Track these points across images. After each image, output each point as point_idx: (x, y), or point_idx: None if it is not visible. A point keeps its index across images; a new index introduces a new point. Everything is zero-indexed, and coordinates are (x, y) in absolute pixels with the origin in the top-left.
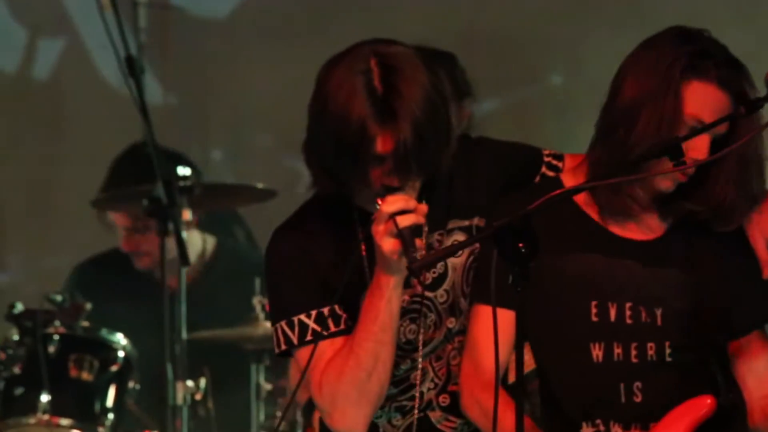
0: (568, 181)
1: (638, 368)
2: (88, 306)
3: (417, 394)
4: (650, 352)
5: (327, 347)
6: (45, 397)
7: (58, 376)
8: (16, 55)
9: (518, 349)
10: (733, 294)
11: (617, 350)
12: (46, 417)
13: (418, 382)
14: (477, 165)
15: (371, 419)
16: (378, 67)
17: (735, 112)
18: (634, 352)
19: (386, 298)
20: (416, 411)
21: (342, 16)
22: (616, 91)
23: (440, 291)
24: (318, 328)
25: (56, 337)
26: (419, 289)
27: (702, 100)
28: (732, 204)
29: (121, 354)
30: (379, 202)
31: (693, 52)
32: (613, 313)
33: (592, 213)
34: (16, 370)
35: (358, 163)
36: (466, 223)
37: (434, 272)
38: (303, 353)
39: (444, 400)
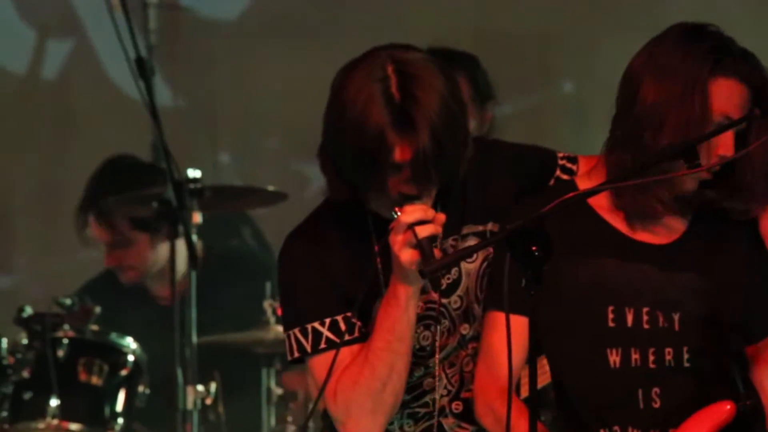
0: (583, 184)
1: (656, 374)
2: (98, 309)
3: (433, 401)
4: (668, 358)
5: (341, 356)
6: (54, 402)
7: (68, 381)
8: (25, 56)
9: (531, 352)
10: (751, 297)
11: (635, 356)
12: (55, 422)
13: (436, 386)
14: (491, 169)
15: (385, 428)
16: (395, 75)
17: (750, 113)
18: (651, 358)
19: (403, 308)
20: (436, 419)
21: (352, 18)
22: (633, 95)
23: (454, 297)
24: (332, 336)
25: (65, 340)
26: (434, 295)
27: (727, 95)
28: (759, 194)
29: (130, 358)
30: (397, 211)
31: (713, 48)
32: (630, 318)
33: (608, 217)
34: (25, 374)
35: (376, 172)
36: (480, 228)
37: (448, 278)
38: (317, 361)
39: (457, 407)
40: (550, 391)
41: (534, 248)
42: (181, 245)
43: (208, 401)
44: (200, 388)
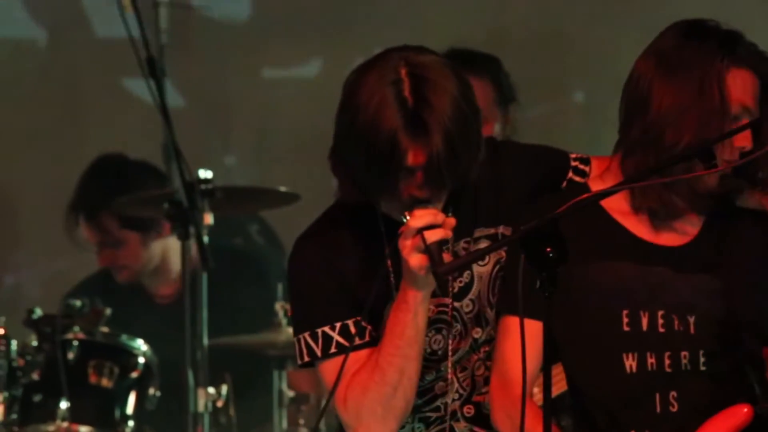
0: (596, 186)
1: (673, 377)
2: (108, 311)
3: (444, 405)
4: (684, 361)
5: (352, 361)
6: (64, 404)
7: (78, 383)
8: (35, 56)
9: (546, 355)
10: (767, 298)
11: (650, 360)
12: (65, 424)
13: (448, 391)
14: (503, 171)
15: None
16: (408, 78)
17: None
18: (667, 362)
19: (413, 313)
20: (448, 423)
21: (365, 18)
22: (645, 97)
23: (466, 300)
24: (343, 341)
25: (75, 343)
26: (445, 298)
27: (742, 85)
28: None
29: (141, 360)
30: (407, 215)
31: (723, 40)
32: (645, 322)
33: (622, 220)
34: (35, 376)
35: (388, 176)
36: (492, 231)
37: (460, 281)
38: (327, 366)
39: (469, 410)
40: (568, 396)
41: (548, 250)
42: (176, 242)
43: (219, 404)
44: (211, 390)
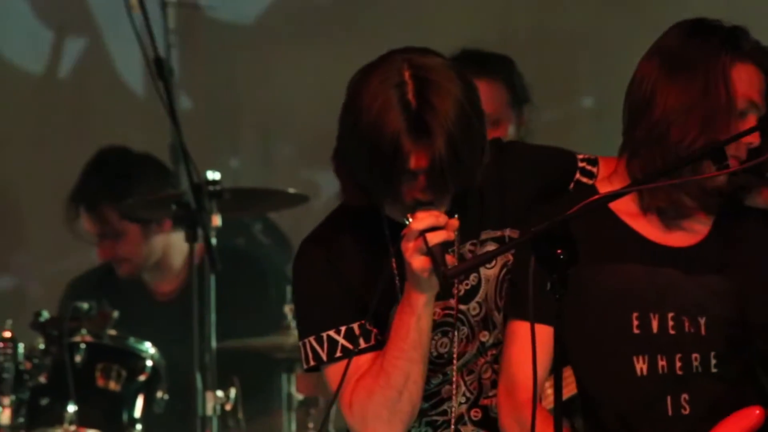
0: (604, 188)
1: (684, 380)
2: (116, 314)
3: (452, 408)
4: (695, 363)
5: (357, 364)
6: (71, 408)
7: (85, 386)
8: (42, 56)
9: (556, 359)
10: None
11: (661, 362)
12: (72, 428)
13: (454, 395)
14: (509, 172)
15: None
16: (412, 80)
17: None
18: (678, 364)
19: (417, 316)
20: (452, 427)
21: (373, 19)
22: (650, 96)
23: (473, 303)
24: (348, 345)
25: (83, 346)
26: (452, 301)
27: (748, 80)
28: None
29: (149, 363)
30: (409, 218)
31: (728, 36)
32: (655, 324)
33: (631, 222)
34: (42, 379)
35: (390, 178)
36: (498, 233)
37: (467, 284)
38: (333, 370)
39: (476, 414)
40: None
41: (559, 251)
42: (177, 238)
43: (228, 407)
44: (220, 393)
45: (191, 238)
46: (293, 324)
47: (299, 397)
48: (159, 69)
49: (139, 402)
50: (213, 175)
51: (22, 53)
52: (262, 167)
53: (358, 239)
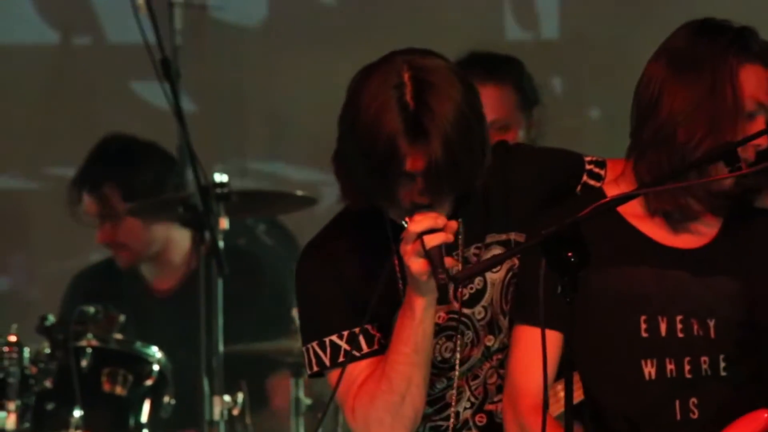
0: (611, 191)
1: (693, 384)
2: (122, 318)
3: (456, 414)
4: (704, 366)
5: (360, 369)
6: (77, 413)
7: (91, 391)
8: (47, 57)
9: (567, 365)
10: None
11: (670, 366)
12: None
13: (453, 399)
14: (515, 175)
15: None
16: (411, 82)
17: None
18: (687, 367)
19: (418, 319)
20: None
21: (381, 21)
22: (657, 97)
23: (478, 308)
24: (351, 350)
25: (89, 350)
26: (456, 305)
27: (756, 81)
28: None
29: (155, 367)
30: (407, 220)
31: (736, 36)
32: (663, 327)
33: (638, 224)
34: (48, 384)
35: (387, 180)
36: (504, 237)
37: (471, 288)
38: (335, 375)
39: (481, 419)
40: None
41: (570, 254)
42: (179, 233)
43: (236, 412)
44: (227, 398)
45: (198, 241)
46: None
47: (307, 401)
48: (165, 70)
49: (146, 407)
50: (220, 177)
51: (28, 54)
52: (270, 169)
53: (362, 242)
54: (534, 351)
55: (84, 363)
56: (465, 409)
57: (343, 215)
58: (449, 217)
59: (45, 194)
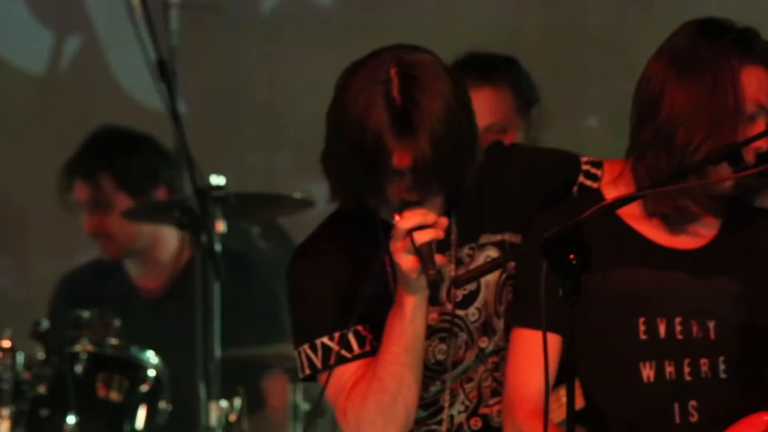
0: (609, 192)
1: (692, 386)
2: (117, 322)
3: (450, 417)
4: (704, 368)
5: (351, 371)
6: (72, 419)
7: (86, 397)
8: (41, 58)
9: (570, 369)
10: None
11: (669, 368)
12: None
13: (446, 403)
14: (511, 175)
15: None
16: (398, 77)
17: None
18: (687, 369)
19: (409, 318)
20: None
21: (382, 21)
22: (658, 97)
23: (471, 309)
24: (342, 351)
25: (84, 355)
26: (449, 307)
27: (758, 83)
28: None
29: (151, 373)
30: (396, 217)
31: (738, 37)
32: (662, 329)
33: (636, 225)
34: (42, 390)
35: (375, 177)
36: (498, 237)
37: (465, 289)
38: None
39: (475, 423)
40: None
41: (572, 256)
42: (168, 232)
43: (233, 418)
44: (224, 404)
45: (195, 244)
46: None
47: (305, 406)
48: (161, 71)
49: (142, 413)
50: (217, 180)
51: (21, 54)
52: (267, 171)
53: (354, 243)
54: (533, 354)
55: (79, 368)
56: (459, 412)
57: (336, 216)
58: (444, 217)
59: (37, 196)
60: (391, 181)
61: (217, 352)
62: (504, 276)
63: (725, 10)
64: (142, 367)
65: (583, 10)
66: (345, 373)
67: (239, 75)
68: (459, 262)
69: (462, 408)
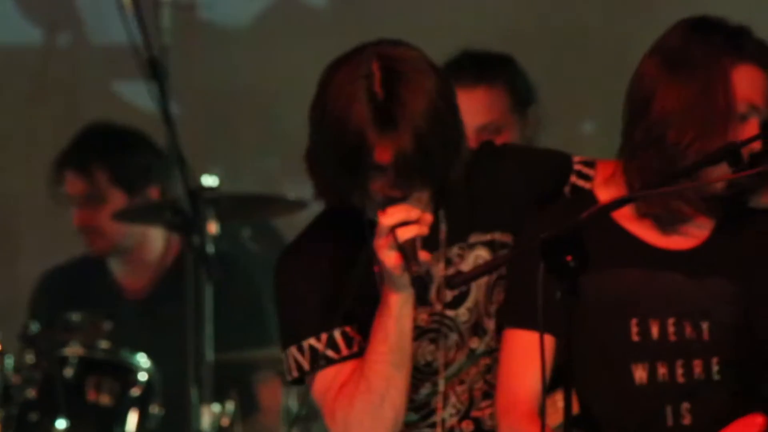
0: (602, 193)
1: (685, 388)
2: (108, 325)
3: (442, 420)
4: (697, 370)
5: (339, 372)
6: (62, 423)
7: (76, 401)
8: (31, 56)
9: (569, 370)
10: None
11: (661, 370)
12: None
13: (438, 405)
14: (500, 175)
15: None
16: (380, 71)
17: None
18: (680, 371)
19: (395, 317)
20: None
21: (375, 20)
22: (649, 96)
23: (462, 309)
24: (329, 352)
25: (74, 359)
26: (438, 307)
27: (750, 82)
28: None
29: (143, 376)
30: (380, 214)
31: (730, 36)
32: (655, 330)
33: (629, 225)
34: (32, 394)
35: (357, 173)
36: (488, 237)
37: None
38: (315, 379)
39: (467, 426)
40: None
41: (569, 258)
42: (156, 232)
43: (225, 422)
44: (216, 407)
45: (187, 246)
46: None
47: (300, 410)
48: (153, 70)
49: (133, 417)
50: (210, 181)
51: (10, 54)
52: (260, 172)
53: (341, 243)
54: (527, 356)
55: (69, 372)
56: (451, 415)
57: (324, 216)
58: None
59: (25, 196)
60: (374, 177)
61: (209, 356)
62: (495, 276)
63: (725, 12)
64: (133, 370)
65: (581, 10)
66: (333, 374)
67: (231, 75)
68: (448, 262)
69: (453, 411)
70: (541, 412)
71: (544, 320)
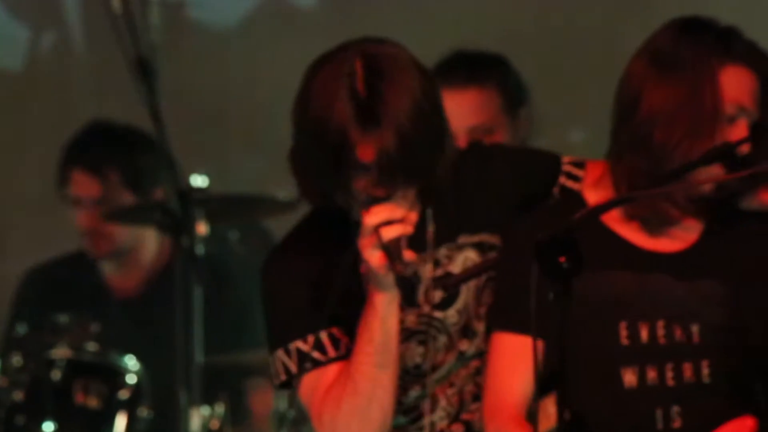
0: (591, 195)
1: (675, 391)
2: (96, 327)
3: (431, 424)
4: (687, 373)
5: (327, 374)
6: (49, 426)
7: (63, 404)
8: (19, 56)
9: (563, 373)
10: None
11: (651, 373)
12: None
13: (426, 408)
14: (489, 175)
15: None
16: (363, 70)
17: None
18: (669, 374)
19: (380, 317)
20: None
21: (366, 18)
22: (637, 96)
23: (451, 311)
24: (316, 354)
25: (62, 362)
26: (425, 308)
27: (738, 83)
28: None
29: (131, 379)
30: (364, 214)
31: (720, 36)
32: (644, 333)
33: (617, 228)
34: (19, 397)
35: (340, 172)
36: (476, 238)
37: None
38: (302, 382)
39: (457, 429)
40: None
41: (562, 259)
42: (149, 233)
43: (215, 425)
44: (206, 410)
45: (177, 247)
46: None
47: (290, 413)
48: (141, 69)
49: (121, 420)
50: (200, 181)
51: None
52: (250, 172)
53: (328, 244)
54: (515, 359)
55: (56, 374)
56: (440, 418)
57: (310, 217)
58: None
59: (14, 197)
60: (357, 176)
61: (199, 358)
62: (484, 278)
63: (723, 12)
64: (122, 373)
65: (580, 11)
66: (320, 376)
67: (221, 74)
68: (436, 263)
69: (443, 414)
70: (535, 418)
71: (527, 322)
